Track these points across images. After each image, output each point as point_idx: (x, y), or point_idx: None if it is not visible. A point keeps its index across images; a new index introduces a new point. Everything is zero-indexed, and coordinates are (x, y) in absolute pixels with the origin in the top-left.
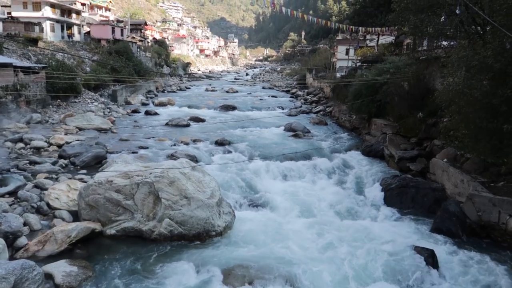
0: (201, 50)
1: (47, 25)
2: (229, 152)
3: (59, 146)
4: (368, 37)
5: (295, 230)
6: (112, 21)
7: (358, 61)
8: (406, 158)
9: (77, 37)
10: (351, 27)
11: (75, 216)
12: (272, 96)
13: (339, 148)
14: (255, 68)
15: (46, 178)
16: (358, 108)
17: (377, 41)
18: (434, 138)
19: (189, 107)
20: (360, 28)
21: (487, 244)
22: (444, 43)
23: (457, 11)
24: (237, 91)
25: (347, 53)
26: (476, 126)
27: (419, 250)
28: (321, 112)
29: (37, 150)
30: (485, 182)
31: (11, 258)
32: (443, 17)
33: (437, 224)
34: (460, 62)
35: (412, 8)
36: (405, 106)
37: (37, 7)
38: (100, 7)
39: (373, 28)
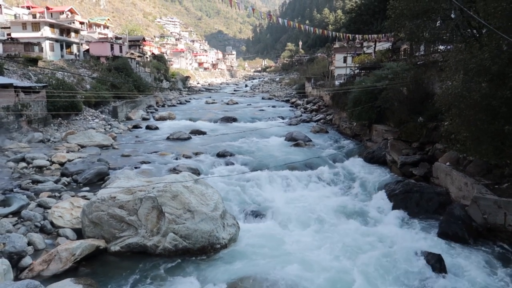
0: (200, 64)
1: (46, 45)
2: (231, 163)
3: (61, 164)
4: (365, 44)
5: (301, 239)
6: (111, 38)
7: (356, 68)
8: (409, 163)
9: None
10: (347, 35)
11: (79, 233)
12: (272, 106)
13: (341, 155)
14: (254, 79)
15: (49, 196)
16: (358, 115)
17: (374, 47)
18: (435, 142)
19: (190, 120)
20: (356, 35)
21: (494, 246)
22: (441, 47)
23: (452, 16)
24: (237, 103)
25: (345, 61)
26: (477, 128)
27: (426, 255)
28: (322, 121)
29: (40, 169)
30: (489, 184)
31: (16, 278)
32: (439, 22)
33: (443, 228)
34: (458, 65)
35: (408, 14)
36: (405, 111)
37: (36, 27)
38: (98, 25)
39: (369, 35)
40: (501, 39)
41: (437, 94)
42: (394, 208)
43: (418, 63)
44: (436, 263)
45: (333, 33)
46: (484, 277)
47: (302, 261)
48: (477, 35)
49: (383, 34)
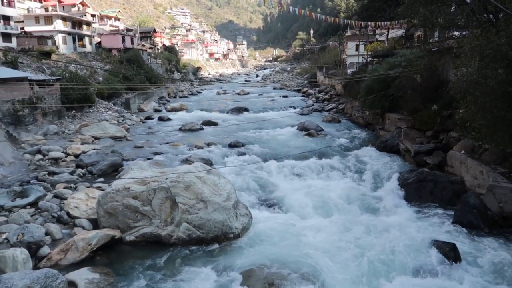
0: (211, 54)
1: (59, 38)
2: (243, 154)
3: (76, 156)
4: (377, 31)
5: (313, 228)
6: (122, 30)
7: (368, 56)
8: (423, 152)
9: (88, 47)
10: (360, 22)
11: (95, 224)
12: (284, 96)
13: (353, 145)
14: (265, 69)
15: (65, 188)
16: (371, 103)
17: (387, 35)
18: (450, 130)
19: (202, 111)
20: (369, 23)
21: (510, 235)
22: (456, 33)
23: (468, 0)
24: (248, 93)
25: (357, 49)
26: (493, 115)
27: (440, 244)
28: (334, 110)
29: (55, 160)
30: (505, 173)
31: (35, 267)
32: (454, 7)
33: (458, 217)
34: (474, 51)
35: (421, 0)
36: (418, 99)
37: (48, 21)
38: (109, 17)
39: (382, 23)
40: None
41: (452, 81)
42: (407, 197)
43: (432, 50)
44: (450, 252)
45: (345, 20)
46: (499, 266)
47: (315, 250)
48: (494, 20)
49: (396, 21)
